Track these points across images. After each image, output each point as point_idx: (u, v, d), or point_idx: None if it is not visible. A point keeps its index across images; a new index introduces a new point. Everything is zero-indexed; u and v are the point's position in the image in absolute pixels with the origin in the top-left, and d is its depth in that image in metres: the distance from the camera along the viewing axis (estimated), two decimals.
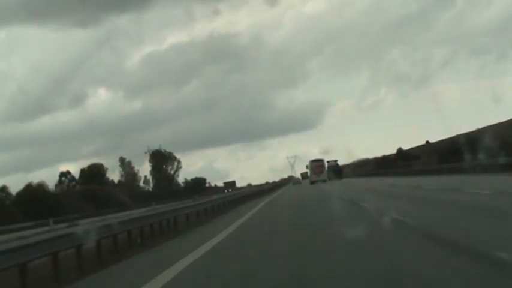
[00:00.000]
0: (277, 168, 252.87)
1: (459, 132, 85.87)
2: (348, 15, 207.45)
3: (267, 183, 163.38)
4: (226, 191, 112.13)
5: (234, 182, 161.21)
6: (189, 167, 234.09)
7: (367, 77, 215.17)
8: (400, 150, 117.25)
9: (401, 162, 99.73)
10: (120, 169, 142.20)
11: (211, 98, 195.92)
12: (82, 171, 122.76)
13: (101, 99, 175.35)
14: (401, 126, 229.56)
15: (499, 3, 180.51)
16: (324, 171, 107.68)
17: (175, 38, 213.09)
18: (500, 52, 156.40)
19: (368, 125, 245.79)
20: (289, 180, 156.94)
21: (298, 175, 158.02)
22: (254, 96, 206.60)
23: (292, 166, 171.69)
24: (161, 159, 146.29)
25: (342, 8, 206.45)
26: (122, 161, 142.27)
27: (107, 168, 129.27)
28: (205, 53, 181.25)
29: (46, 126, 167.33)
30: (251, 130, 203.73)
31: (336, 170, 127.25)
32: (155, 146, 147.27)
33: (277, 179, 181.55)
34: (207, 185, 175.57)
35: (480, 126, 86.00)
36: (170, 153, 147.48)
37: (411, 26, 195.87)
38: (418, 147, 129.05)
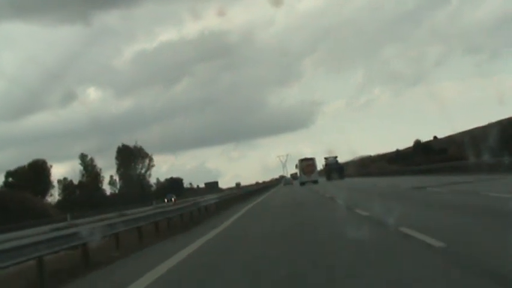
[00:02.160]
0: (269, 168, 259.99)
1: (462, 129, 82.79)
2: (343, 13, 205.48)
3: (257, 183, 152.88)
4: (166, 200, 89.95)
5: (216, 183, 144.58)
6: (181, 166, 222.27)
7: (361, 75, 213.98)
8: (418, 142, 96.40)
9: (421, 157, 78.91)
10: (81, 168, 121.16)
11: (203, 97, 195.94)
12: (21, 169, 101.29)
13: (91, 98, 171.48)
14: (397, 124, 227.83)
15: (493, 2, 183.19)
16: (314, 171, 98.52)
17: (165, 35, 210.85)
18: (495, 50, 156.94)
19: (363, 123, 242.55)
20: (280, 180, 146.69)
21: (290, 175, 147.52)
22: (247, 95, 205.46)
23: (284, 165, 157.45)
24: (129, 157, 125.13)
25: (337, 6, 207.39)
26: (83, 158, 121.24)
27: (51, 166, 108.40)
28: (197, 51, 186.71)
29: (35, 124, 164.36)
30: (243, 130, 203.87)
31: (337, 168, 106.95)
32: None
33: (268, 179, 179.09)
34: (188, 185, 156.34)
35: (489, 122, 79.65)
36: (141, 149, 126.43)
37: (407, 23, 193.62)
38: (428, 142, 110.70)
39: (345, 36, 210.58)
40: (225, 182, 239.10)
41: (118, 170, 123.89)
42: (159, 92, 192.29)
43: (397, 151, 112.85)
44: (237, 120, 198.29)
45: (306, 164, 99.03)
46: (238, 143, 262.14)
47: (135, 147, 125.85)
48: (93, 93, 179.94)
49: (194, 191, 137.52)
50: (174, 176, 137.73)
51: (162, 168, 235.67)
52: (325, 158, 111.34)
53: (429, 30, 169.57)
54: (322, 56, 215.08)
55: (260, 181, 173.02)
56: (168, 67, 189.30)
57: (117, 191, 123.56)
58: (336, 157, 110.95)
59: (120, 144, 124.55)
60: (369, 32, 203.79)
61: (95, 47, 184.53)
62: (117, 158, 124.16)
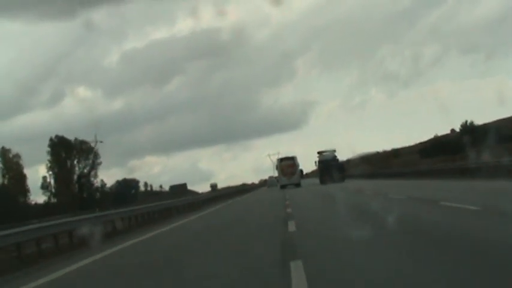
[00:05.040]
0: (261, 169, 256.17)
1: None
2: (337, 12, 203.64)
3: (243, 184, 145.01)
4: None
5: (184, 185, 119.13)
6: (173, 168, 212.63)
7: (356, 75, 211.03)
8: (469, 126, 68.27)
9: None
10: (2, 166, 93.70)
11: (195, 97, 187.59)
12: None
13: (78, 99, 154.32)
14: (395, 124, 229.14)
15: (490, 0, 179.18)
16: (296, 172, 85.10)
17: (156, 33, 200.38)
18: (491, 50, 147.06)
19: (358, 123, 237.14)
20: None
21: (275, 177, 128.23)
22: (239, 95, 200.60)
23: (274, 165, 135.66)
24: (67, 152, 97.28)
25: (331, 5, 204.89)
26: (4, 154, 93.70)
27: None
28: (189, 50, 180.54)
29: (20, 126, 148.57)
30: (236, 130, 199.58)
31: (334, 167, 78.88)
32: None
33: (257, 180, 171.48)
34: (159, 188, 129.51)
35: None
36: (83, 142, 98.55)
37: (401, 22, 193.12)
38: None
39: (339, 36, 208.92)
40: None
41: (50, 169, 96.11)
42: (149, 91, 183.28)
43: (436, 138, 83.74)
44: (230, 121, 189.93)
45: (286, 164, 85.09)
46: (230, 144, 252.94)
47: (76, 139, 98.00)
48: (81, 93, 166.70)
49: (162, 195, 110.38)
50: (177, 180, 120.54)
51: (154, 169, 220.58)
52: (319, 153, 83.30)
53: (425, 30, 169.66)
54: (316, 55, 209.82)
55: (249, 182, 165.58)
56: (159, 66, 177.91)
57: (53, 198, 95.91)
58: (334, 151, 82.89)
59: (53, 136, 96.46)
60: (364, 31, 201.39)
61: (82, 45, 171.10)
62: (49, 153, 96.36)
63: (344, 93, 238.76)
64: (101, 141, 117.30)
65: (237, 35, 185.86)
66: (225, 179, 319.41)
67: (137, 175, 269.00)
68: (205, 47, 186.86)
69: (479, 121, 79.99)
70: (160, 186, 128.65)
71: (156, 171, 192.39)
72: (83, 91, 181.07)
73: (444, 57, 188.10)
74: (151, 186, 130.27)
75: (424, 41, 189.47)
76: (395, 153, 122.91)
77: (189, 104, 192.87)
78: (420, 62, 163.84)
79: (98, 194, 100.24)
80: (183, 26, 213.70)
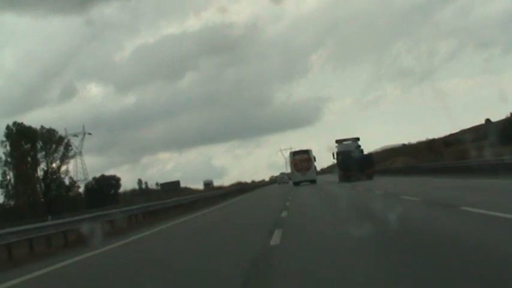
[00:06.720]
0: (276, 165, 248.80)
1: None
2: (351, 7, 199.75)
3: (240, 183, 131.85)
4: None
5: (177, 183, 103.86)
6: (186, 164, 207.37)
7: (369, 71, 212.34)
8: None
9: None
10: None
11: (207, 93, 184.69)
12: None
13: (90, 94, 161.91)
14: (407, 120, 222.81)
15: None
16: (311, 167, 75.33)
17: (168, 28, 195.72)
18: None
19: (371, 119, 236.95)
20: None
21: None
22: (252, 91, 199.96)
23: (287, 160, 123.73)
24: (29, 143, 79.11)
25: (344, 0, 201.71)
26: None
27: None
28: (201, 45, 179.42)
29: (33, 121, 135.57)
30: (249, 126, 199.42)
31: (358, 159, 60.21)
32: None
33: (271, 176, 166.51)
34: (155, 185, 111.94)
35: None
36: (51, 132, 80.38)
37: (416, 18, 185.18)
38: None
39: (352, 31, 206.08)
40: (229, 180, 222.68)
41: (8, 164, 77.70)
42: (161, 87, 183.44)
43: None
44: (243, 117, 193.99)
45: (300, 159, 75.37)
46: (243, 140, 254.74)
47: (42, 127, 79.65)
48: (92, 89, 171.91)
49: (152, 195, 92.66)
50: (173, 176, 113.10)
51: (167, 166, 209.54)
52: (338, 142, 64.56)
53: (439, 25, 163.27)
54: (329, 51, 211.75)
55: (259, 179, 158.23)
56: (171, 61, 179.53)
57: (12, 199, 78.04)
58: (357, 139, 63.84)
59: (11, 123, 77.93)
60: (377, 26, 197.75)
61: (93, 41, 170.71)
62: (4, 144, 77.78)
63: (358, 89, 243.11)
64: (90, 133, 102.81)
65: (250, 30, 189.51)
66: (237, 176, 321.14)
67: (150, 172, 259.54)
68: (218, 43, 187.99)
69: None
70: (156, 184, 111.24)
71: (169, 168, 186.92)
72: (93, 87, 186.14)
73: (458, 52, 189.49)
74: (146, 183, 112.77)
75: (438, 36, 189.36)
76: (431, 143, 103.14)
77: (202, 100, 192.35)
78: (435, 57, 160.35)
79: (72, 193, 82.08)
80: (196, 21, 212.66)
